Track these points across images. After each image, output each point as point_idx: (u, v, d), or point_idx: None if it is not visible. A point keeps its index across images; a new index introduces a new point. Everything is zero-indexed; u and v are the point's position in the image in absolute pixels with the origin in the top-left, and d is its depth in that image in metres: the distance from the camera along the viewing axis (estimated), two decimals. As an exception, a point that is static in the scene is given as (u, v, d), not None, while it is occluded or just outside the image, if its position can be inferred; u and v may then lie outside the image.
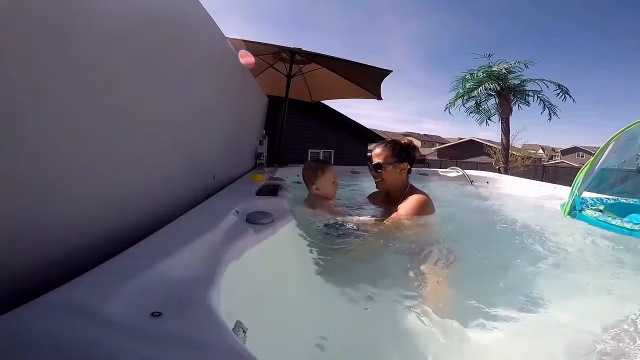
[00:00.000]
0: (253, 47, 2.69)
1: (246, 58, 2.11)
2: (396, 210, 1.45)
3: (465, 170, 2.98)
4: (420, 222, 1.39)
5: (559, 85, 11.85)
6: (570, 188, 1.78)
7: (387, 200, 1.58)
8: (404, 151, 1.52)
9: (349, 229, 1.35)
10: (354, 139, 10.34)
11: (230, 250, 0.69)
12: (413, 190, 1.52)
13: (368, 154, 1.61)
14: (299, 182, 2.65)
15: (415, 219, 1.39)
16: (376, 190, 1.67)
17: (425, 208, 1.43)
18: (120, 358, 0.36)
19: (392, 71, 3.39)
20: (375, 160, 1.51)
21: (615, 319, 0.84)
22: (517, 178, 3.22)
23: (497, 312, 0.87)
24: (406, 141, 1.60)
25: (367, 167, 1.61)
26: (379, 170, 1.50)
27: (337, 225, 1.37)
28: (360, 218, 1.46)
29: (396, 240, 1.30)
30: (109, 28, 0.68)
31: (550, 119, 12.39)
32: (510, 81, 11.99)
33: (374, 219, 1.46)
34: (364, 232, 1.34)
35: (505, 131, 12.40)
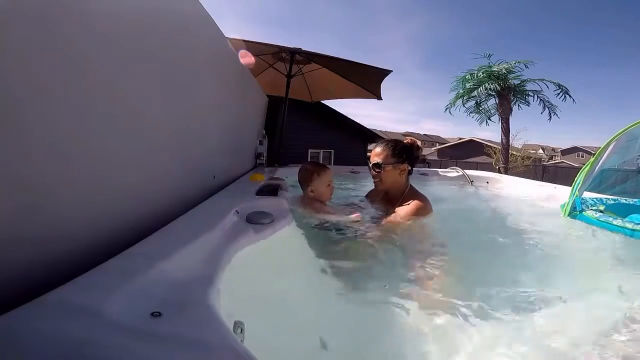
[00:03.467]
0: (253, 47, 2.69)
1: (246, 58, 2.11)
2: (393, 212, 1.43)
3: (465, 170, 2.98)
4: (415, 224, 1.38)
5: (559, 85, 11.84)
6: (571, 189, 1.78)
7: (386, 199, 1.56)
8: (404, 152, 1.49)
9: (341, 230, 1.34)
10: (354, 139, 10.36)
11: (230, 250, 0.69)
12: (412, 193, 1.50)
13: (369, 154, 1.59)
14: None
15: (411, 221, 1.38)
16: (373, 189, 1.66)
17: (422, 213, 1.41)
18: (120, 358, 0.36)
19: (392, 71, 3.38)
20: (375, 159, 1.48)
21: (617, 319, 0.84)
22: (517, 178, 3.22)
23: (496, 312, 0.87)
24: (409, 141, 1.56)
25: (367, 167, 1.60)
26: (378, 170, 1.47)
27: (329, 227, 1.36)
28: (351, 217, 1.43)
29: (393, 242, 1.30)
30: (108, 28, 0.68)
31: (550, 119, 12.39)
32: (510, 81, 11.98)
33: (367, 221, 1.44)
34: (360, 233, 1.33)
35: (505, 131, 12.39)
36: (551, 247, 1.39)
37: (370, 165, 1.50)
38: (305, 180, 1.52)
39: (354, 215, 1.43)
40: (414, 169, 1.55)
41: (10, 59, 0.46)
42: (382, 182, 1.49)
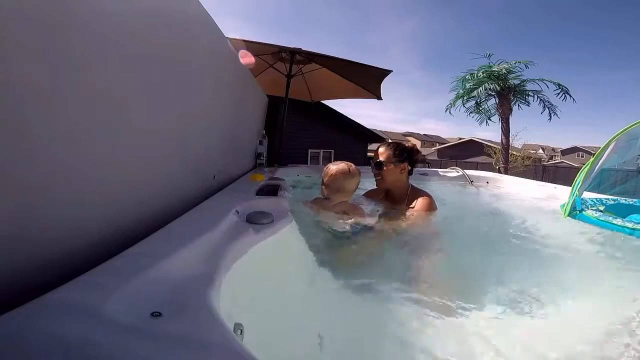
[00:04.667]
0: (253, 47, 2.68)
1: (246, 58, 2.11)
2: (404, 209, 1.53)
3: (465, 170, 2.98)
4: (433, 220, 1.48)
5: (559, 85, 11.84)
6: (571, 188, 1.78)
7: (388, 199, 1.63)
8: (405, 152, 1.59)
9: (357, 230, 1.36)
10: (354, 139, 10.35)
11: (230, 250, 0.69)
12: (416, 191, 1.59)
13: (369, 154, 1.65)
14: (299, 182, 2.65)
15: (432, 216, 1.48)
16: (372, 189, 1.73)
17: (434, 208, 1.52)
18: (120, 358, 0.36)
19: (392, 71, 3.38)
20: (377, 159, 1.59)
21: (617, 318, 0.84)
22: (517, 178, 3.22)
23: (496, 312, 0.87)
24: (410, 145, 1.70)
25: (366, 166, 1.64)
26: (380, 169, 1.57)
27: (355, 229, 1.37)
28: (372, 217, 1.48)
29: (407, 239, 1.32)
30: (108, 28, 0.68)
31: (550, 119, 12.39)
32: (510, 81, 11.97)
33: (383, 220, 1.49)
34: (375, 232, 1.37)
35: (505, 131, 12.39)
36: (551, 246, 1.39)
37: (373, 164, 1.60)
38: (355, 186, 1.46)
39: (374, 216, 1.47)
40: (414, 169, 1.64)
41: (10, 59, 0.46)
42: (383, 180, 1.59)
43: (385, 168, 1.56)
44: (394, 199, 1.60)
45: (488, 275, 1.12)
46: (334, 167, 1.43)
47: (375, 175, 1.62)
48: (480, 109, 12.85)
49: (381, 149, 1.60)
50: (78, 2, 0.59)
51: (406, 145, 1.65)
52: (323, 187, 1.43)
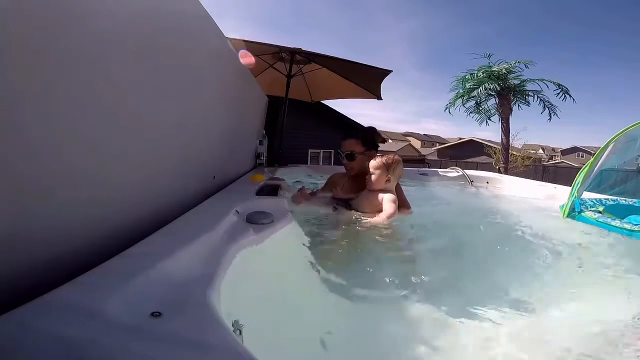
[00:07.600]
0: (253, 47, 2.68)
1: (246, 58, 2.11)
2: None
3: (465, 170, 2.98)
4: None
5: (559, 85, 11.84)
6: (570, 189, 1.78)
7: (356, 182, 1.65)
8: (370, 140, 1.68)
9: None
10: (354, 139, 10.32)
11: (230, 250, 0.69)
12: None
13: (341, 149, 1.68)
14: (299, 182, 2.65)
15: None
16: (336, 172, 1.83)
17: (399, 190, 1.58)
18: (120, 358, 0.36)
19: (392, 71, 3.38)
20: (348, 149, 1.66)
21: (615, 320, 0.84)
22: (517, 178, 3.22)
23: (494, 312, 0.87)
24: (372, 127, 1.77)
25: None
26: (352, 159, 1.64)
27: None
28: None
29: (404, 237, 1.33)
30: (109, 29, 0.68)
31: (550, 119, 12.39)
32: (510, 81, 11.97)
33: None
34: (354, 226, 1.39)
35: (505, 131, 12.38)
36: (550, 247, 1.39)
37: (343, 155, 1.66)
38: None
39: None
40: (413, 168, 1.66)
41: (11, 58, 0.46)
42: (353, 169, 1.67)
43: (356, 158, 1.63)
44: (361, 184, 1.62)
45: (487, 276, 1.12)
46: (389, 158, 1.54)
47: (345, 165, 1.69)
48: (480, 109, 12.84)
49: (351, 141, 1.66)
50: (78, 2, 0.59)
51: (369, 131, 1.71)
52: (384, 179, 1.51)
